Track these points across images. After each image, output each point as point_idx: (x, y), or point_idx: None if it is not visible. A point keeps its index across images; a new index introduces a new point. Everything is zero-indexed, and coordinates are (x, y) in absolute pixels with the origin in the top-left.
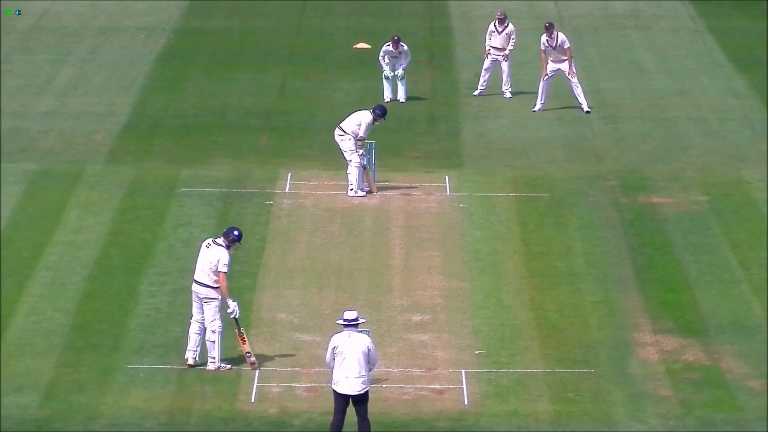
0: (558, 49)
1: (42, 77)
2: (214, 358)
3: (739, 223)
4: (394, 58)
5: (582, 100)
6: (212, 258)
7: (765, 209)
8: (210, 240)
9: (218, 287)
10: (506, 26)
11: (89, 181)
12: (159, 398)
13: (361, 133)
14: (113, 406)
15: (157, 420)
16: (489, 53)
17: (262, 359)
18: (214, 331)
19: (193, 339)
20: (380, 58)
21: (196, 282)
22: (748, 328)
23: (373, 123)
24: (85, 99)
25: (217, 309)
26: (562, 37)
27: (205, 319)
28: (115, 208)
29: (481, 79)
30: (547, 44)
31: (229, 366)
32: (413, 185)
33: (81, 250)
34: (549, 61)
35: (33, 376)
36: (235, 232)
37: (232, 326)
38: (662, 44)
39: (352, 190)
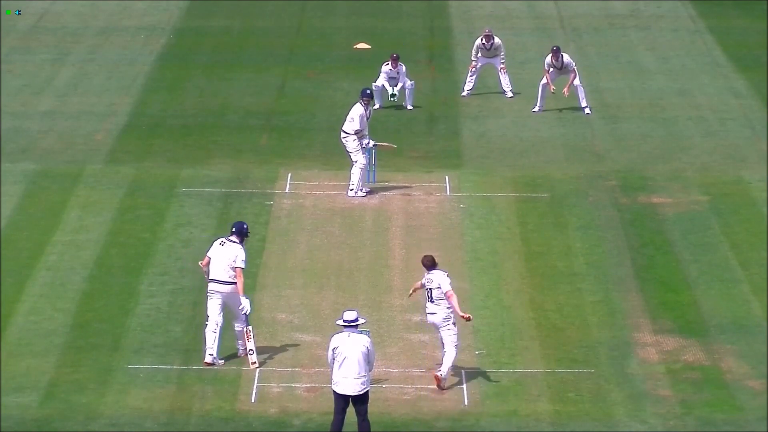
0: (563, 69)
1: (42, 77)
2: (245, 348)
3: (739, 223)
4: (392, 78)
5: (584, 102)
6: (230, 254)
7: (765, 209)
8: (223, 238)
9: (236, 283)
10: (493, 42)
11: (89, 181)
12: (159, 398)
13: (357, 126)
14: (113, 406)
15: (157, 420)
16: (476, 66)
17: (263, 359)
18: (241, 322)
19: (210, 338)
20: (380, 75)
21: (215, 281)
22: (748, 328)
23: (366, 110)
24: (85, 99)
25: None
26: (567, 59)
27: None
28: (115, 208)
29: (468, 81)
30: (553, 65)
31: (255, 362)
32: (413, 185)
33: (81, 250)
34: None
35: (33, 376)
36: (245, 226)
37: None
38: (662, 44)
39: (352, 190)
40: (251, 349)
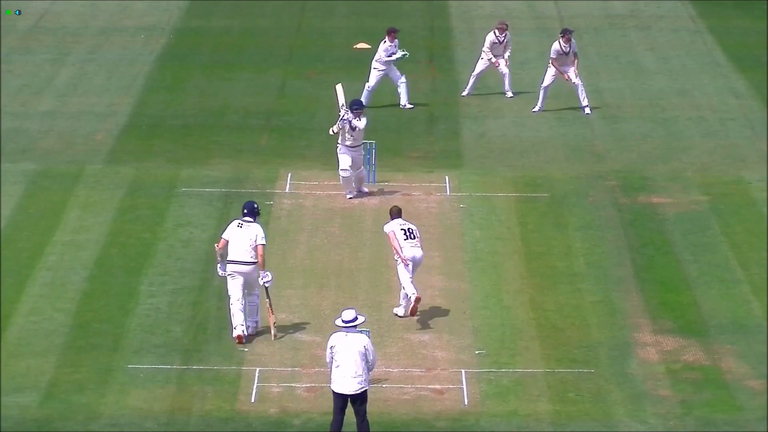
0: (569, 55)
1: (42, 77)
2: (256, 321)
3: (739, 223)
4: (393, 54)
5: (585, 102)
6: (251, 234)
7: (765, 209)
8: (238, 220)
9: (256, 263)
10: (505, 36)
11: (89, 181)
12: (159, 398)
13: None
14: (113, 406)
15: (157, 420)
16: (495, 62)
17: (262, 359)
18: (257, 296)
19: (239, 316)
20: (374, 71)
21: (239, 262)
22: (748, 328)
23: (346, 119)
24: (85, 99)
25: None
26: (573, 41)
27: (248, 292)
28: (115, 208)
29: (472, 81)
30: (561, 51)
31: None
32: (413, 185)
33: (81, 250)
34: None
35: (33, 376)
36: (255, 205)
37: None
38: (662, 44)
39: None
40: (275, 322)
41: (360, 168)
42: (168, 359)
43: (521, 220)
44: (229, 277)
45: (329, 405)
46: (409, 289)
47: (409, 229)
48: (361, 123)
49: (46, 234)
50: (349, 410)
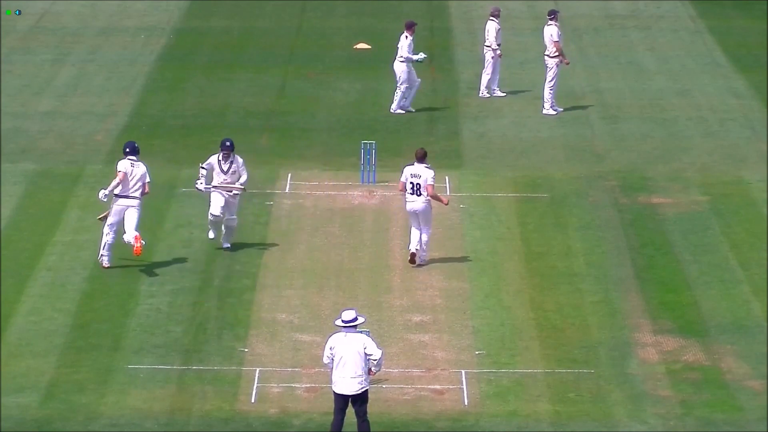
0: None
1: (42, 77)
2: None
3: (739, 223)
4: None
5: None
6: (141, 172)
7: (765, 209)
8: (128, 159)
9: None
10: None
11: (89, 181)
12: (159, 398)
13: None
14: (113, 406)
15: (157, 420)
16: (499, 53)
17: (262, 359)
18: (136, 229)
19: (108, 245)
20: (405, 62)
21: (131, 197)
22: (748, 328)
23: (223, 161)
24: (85, 99)
25: None
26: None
27: (129, 224)
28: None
29: (489, 78)
30: (560, 34)
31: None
32: None
33: (81, 250)
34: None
35: (33, 376)
36: (136, 144)
37: None
38: (662, 44)
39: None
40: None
41: (233, 217)
42: (168, 359)
43: (521, 221)
44: (117, 210)
45: (329, 405)
46: (410, 241)
47: (417, 184)
48: (242, 177)
49: (46, 234)
50: (350, 410)
